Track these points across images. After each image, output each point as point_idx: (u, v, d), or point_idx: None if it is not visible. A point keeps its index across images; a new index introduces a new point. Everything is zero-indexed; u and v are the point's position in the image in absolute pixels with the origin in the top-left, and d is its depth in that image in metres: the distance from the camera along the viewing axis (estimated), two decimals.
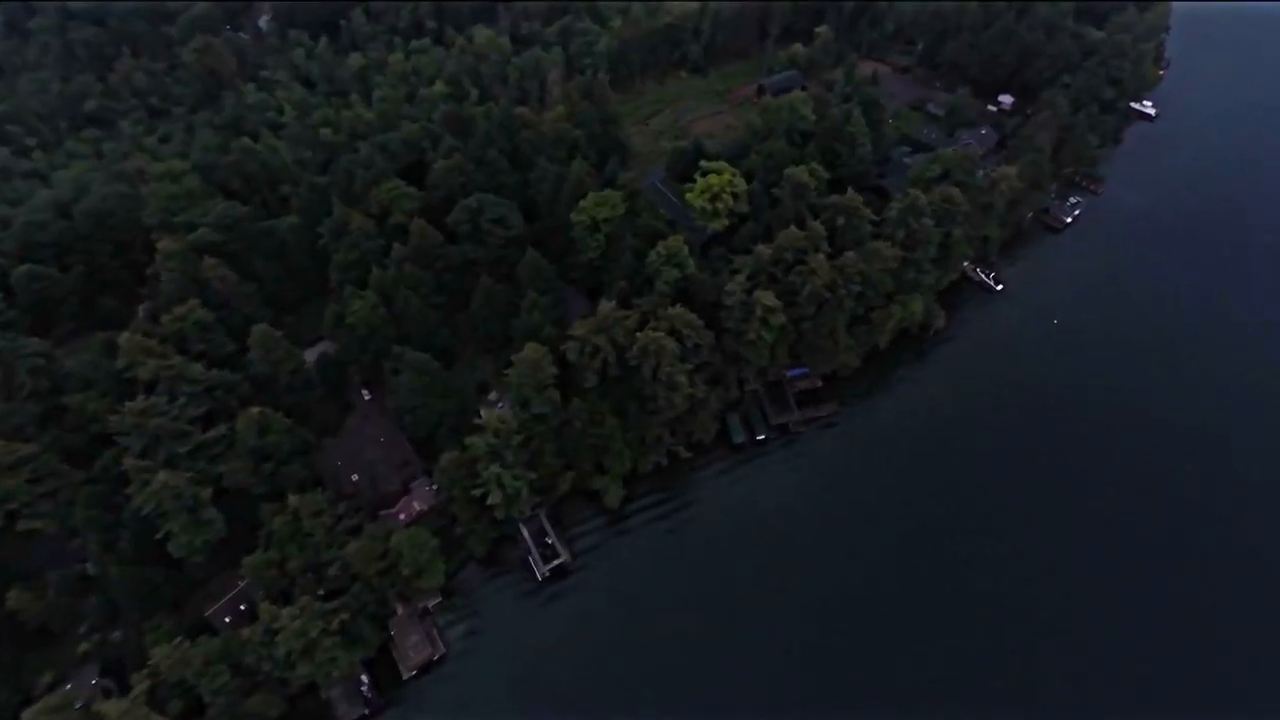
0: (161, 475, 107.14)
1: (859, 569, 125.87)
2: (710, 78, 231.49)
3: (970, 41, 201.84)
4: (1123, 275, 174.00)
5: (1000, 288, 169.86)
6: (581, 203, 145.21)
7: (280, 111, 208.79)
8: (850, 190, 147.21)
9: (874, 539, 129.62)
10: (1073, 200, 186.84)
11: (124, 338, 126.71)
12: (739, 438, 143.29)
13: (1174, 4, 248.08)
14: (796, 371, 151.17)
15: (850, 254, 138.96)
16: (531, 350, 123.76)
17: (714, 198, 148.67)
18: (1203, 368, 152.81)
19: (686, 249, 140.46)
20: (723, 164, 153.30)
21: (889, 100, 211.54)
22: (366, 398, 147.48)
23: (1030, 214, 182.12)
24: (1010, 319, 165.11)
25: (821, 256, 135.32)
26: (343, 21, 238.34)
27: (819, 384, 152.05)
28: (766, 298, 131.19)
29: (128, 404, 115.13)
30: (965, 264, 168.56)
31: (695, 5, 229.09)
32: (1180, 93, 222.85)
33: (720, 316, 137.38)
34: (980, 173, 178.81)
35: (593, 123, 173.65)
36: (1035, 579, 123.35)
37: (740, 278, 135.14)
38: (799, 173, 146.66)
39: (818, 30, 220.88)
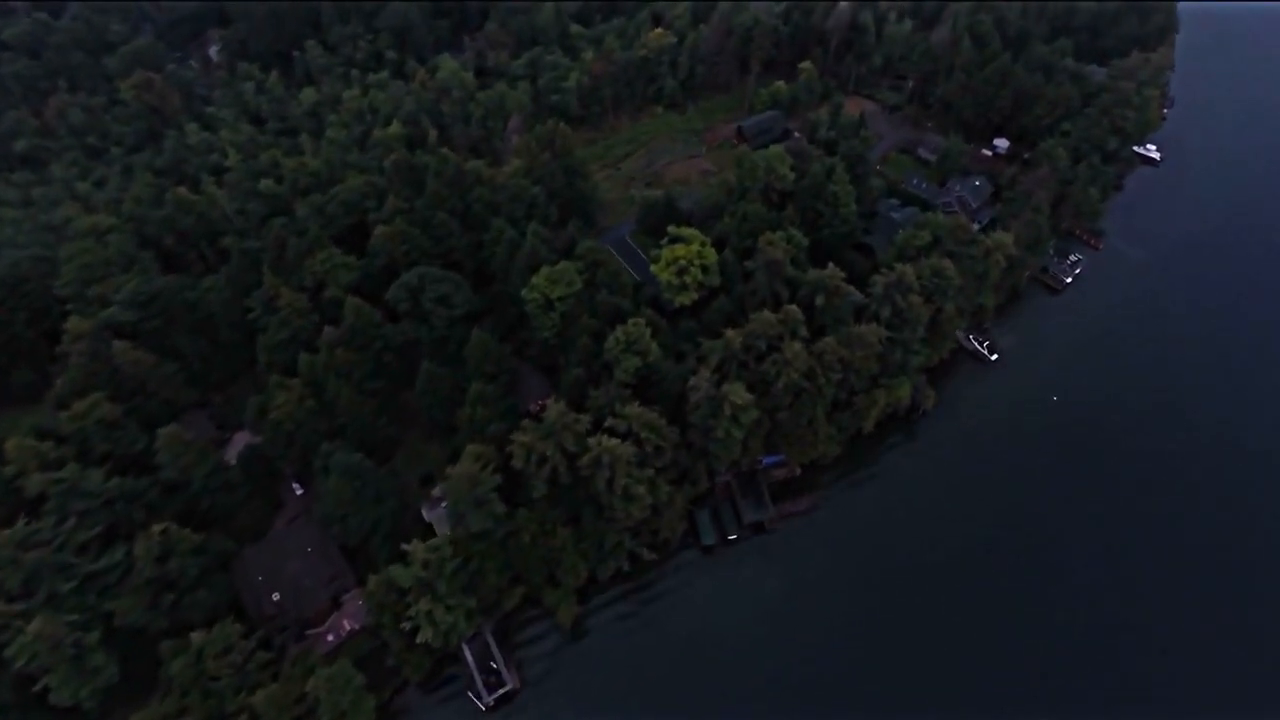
0: (36, 623, 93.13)
1: (843, 687, 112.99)
2: (688, 114, 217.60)
3: (963, 83, 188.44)
4: (1125, 343, 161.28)
5: (995, 358, 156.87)
6: (534, 279, 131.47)
7: (226, 153, 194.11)
8: (831, 265, 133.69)
9: (857, 655, 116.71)
10: (1072, 258, 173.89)
11: (11, 444, 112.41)
12: (709, 539, 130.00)
13: (1180, 4, 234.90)
14: (771, 459, 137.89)
15: (830, 339, 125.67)
16: (469, 460, 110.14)
17: (681, 271, 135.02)
18: (1220, 451, 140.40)
19: (649, 330, 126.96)
20: (691, 231, 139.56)
21: (877, 143, 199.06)
22: (298, 492, 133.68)
23: (1028, 274, 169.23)
24: (1006, 395, 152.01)
25: (798, 345, 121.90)
26: (296, 53, 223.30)
27: (797, 472, 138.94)
28: (736, 393, 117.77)
29: (4, 532, 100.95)
30: (958, 332, 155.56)
31: (672, 37, 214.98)
32: (1185, 132, 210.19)
33: (686, 409, 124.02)
34: (975, 226, 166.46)
35: (554, 177, 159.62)
36: (1035, 688, 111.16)
37: (706, 371, 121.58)
38: (774, 247, 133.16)
39: (802, 66, 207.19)
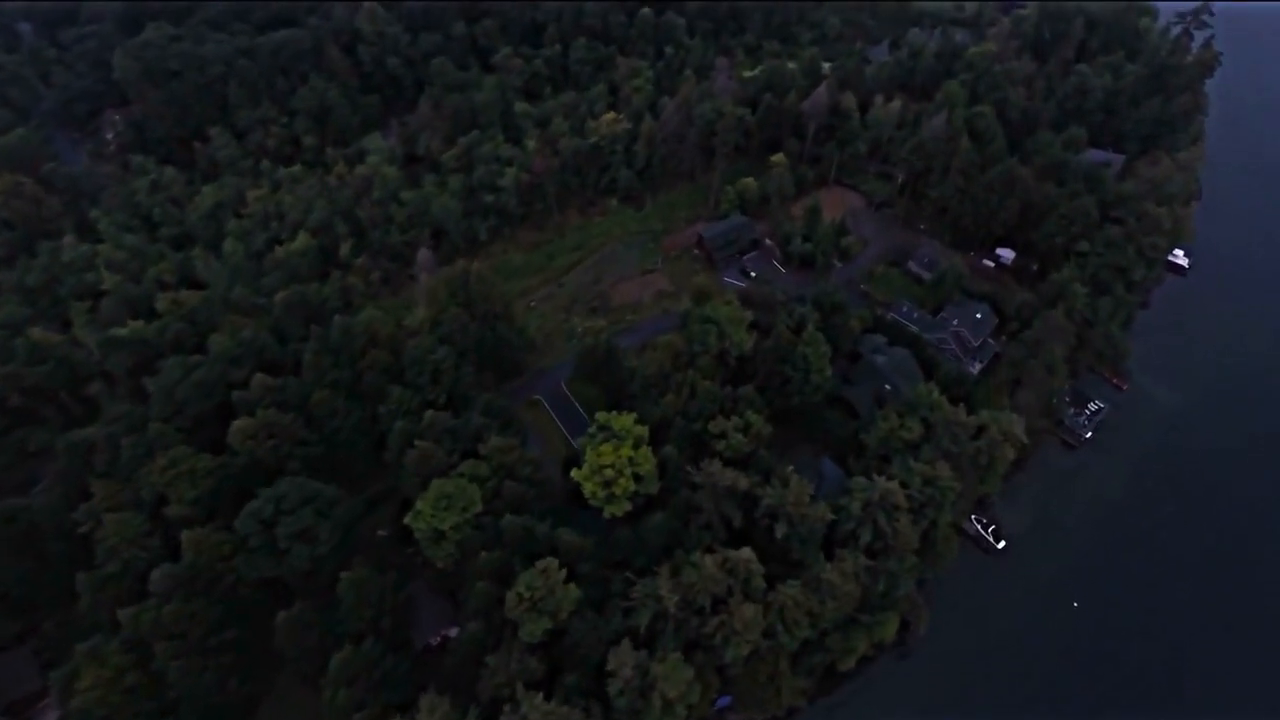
0: None
1: None
2: (646, 210, 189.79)
3: (961, 186, 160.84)
4: (1160, 522, 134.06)
5: (1002, 545, 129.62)
6: (420, 503, 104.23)
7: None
8: (795, 479, 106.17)
9: None
10: (1092, 407, 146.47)
11: None
12: None
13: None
14: (724, 700, 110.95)
15: (793, 589, 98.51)
16: None
17: (608, 483, 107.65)
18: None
19: (565, 572, 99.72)
20: (624, 422, 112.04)
21: (862, 250, 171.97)
22: None
23: (1040, 428, 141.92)
24: (1016, 597, 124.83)
25: (750, 609, 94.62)
26: (197, 144, 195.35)
27: None
28: (671, 677, 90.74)
29: None
30: None
31: (626, 123, 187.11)
32: (1216, 229, 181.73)
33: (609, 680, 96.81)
34: (974, 367, 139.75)
35: (466, 333, 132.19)
36: None
37: (628, 642, 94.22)
38: (722, 471, 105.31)
39: (774, 160, 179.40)
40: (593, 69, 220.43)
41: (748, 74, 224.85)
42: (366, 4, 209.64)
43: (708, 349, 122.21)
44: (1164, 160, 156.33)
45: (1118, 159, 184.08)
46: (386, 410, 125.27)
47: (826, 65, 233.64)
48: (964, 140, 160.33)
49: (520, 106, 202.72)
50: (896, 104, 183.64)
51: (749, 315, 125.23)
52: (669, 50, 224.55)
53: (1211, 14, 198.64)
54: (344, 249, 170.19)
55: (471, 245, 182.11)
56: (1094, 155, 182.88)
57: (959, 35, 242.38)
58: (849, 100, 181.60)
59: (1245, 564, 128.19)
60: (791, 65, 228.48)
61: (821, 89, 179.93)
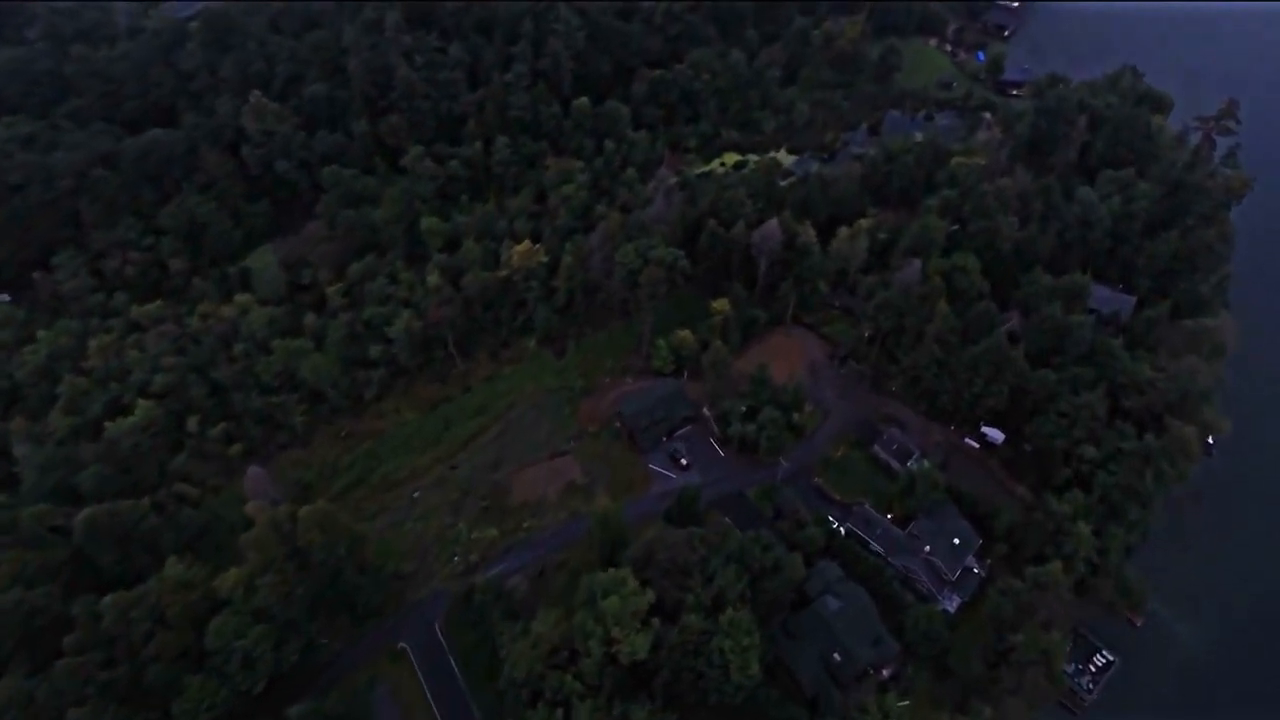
0: None
1: None
2: (567, 357, 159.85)
3: (939, 359, 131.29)
4: None
5: None
6: None
7: None
8: None
9: None
10: (1099, 659, 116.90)
11: None
12: None
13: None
14: None
15: None
16: None
17: None
18: None
19: None
20: None
21: (821, 423, 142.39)
22: None
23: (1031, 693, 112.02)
24: None
25: None
26: (38, 274, 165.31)
27: None
28: None
29: None
30: None
31: (543, 256, 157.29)
32: (1245, 395, 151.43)
33: None
34: (950, 603, 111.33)
35: (292, 603, 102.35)
36: None
37: None
38: None
39: (716, 306, 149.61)
40: (520, 169, 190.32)
41: (699, 171, 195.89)
42: (253, 98, 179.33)
43: (594, 648, 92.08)
44: (1190, 356, 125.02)
45: (1127, 302, 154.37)
46: (181, 710, 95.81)
47: (792, 158, 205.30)
48: (941, 304, 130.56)
49: (428, 222, 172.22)
50: (864, 238, 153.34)
51: (648, 598, 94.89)
52: (609, 145, 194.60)
53: (1238, 120, 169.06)
54: (190, 422, 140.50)
55: (357, 404, 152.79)
56: (1099, 295, 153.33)
57: (943, 120, 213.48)
58: (807, 233, 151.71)
59: None
60: (752, 159, 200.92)
61: (774, 222, 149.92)
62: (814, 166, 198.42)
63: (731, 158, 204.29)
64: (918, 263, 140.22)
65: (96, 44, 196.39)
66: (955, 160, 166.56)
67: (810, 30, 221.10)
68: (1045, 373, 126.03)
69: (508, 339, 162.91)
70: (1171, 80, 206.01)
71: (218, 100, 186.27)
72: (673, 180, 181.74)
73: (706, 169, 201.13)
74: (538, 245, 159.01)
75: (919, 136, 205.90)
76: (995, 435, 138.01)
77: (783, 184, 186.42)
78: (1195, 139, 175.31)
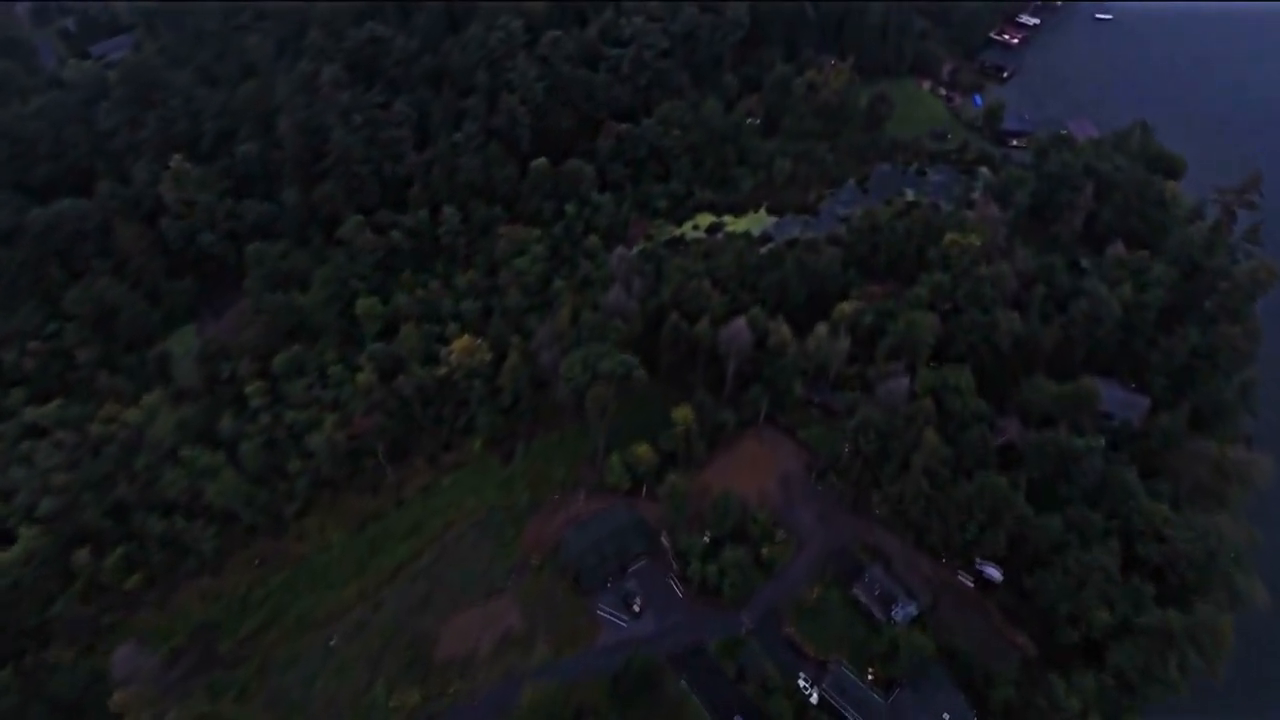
0: None
1: None
2: (514, 465, 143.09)
3: (926, 493, 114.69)
4: None
5: None
6: None
7: None
8: None
9: None
10: None
11: None
12: None
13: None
14: None
15: None
16: None
17: None
18: None
19: None
20: None
21: (793, 556, 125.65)
22: None
23: None
24: None
25: None
26: None
27: None
28: None
29: None
30: None
31: (486, 353, 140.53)
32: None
33: None
34: None
35: None
36: None
37: None
38: None
39: (678, 415, 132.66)
40: (470, 238, 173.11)
41: (668, 238, 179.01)
42: (173, 162, 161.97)
43: None
44: (1220, 515, 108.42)
45: (1141, 404, 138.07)
46: None
47: (771, 220, 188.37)
48: (929, 434, 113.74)
49: (363, 304, 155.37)
50: (845, 338, 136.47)
51: None
52: (570, 208, 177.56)
53: (1261, 194, 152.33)
54: (78, 556, 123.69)
55: (276, 522, 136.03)
56: (1109, 396, 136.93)
57: (937, 176, 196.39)
58: (779, 332, 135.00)
59: None
60: (728, 220, 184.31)
61: (741, 321, 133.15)
62: (795, 230, 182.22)
63: (706, 219, 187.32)
64: (904, 380, 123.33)
65: (8, 99, 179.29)
66: (949, 238, 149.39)
67: (793, 78, 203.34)
68: (1050, 519, 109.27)
69: (449, 440, 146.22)
70: (1180, 131, 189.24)
71: (135, 165, 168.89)
72: (634, 256, 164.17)
73: (679, 232, 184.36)
74: (480, 340, 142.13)
75: (910, 195, 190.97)
76: (993, 573, 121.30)
77: (762, 251, 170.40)
78: (1214, 211, 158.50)
